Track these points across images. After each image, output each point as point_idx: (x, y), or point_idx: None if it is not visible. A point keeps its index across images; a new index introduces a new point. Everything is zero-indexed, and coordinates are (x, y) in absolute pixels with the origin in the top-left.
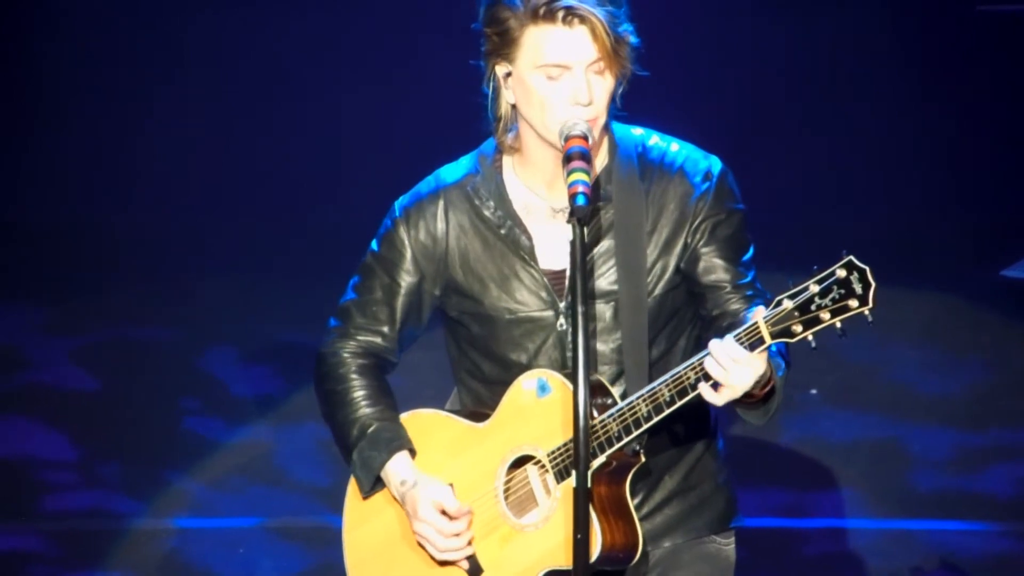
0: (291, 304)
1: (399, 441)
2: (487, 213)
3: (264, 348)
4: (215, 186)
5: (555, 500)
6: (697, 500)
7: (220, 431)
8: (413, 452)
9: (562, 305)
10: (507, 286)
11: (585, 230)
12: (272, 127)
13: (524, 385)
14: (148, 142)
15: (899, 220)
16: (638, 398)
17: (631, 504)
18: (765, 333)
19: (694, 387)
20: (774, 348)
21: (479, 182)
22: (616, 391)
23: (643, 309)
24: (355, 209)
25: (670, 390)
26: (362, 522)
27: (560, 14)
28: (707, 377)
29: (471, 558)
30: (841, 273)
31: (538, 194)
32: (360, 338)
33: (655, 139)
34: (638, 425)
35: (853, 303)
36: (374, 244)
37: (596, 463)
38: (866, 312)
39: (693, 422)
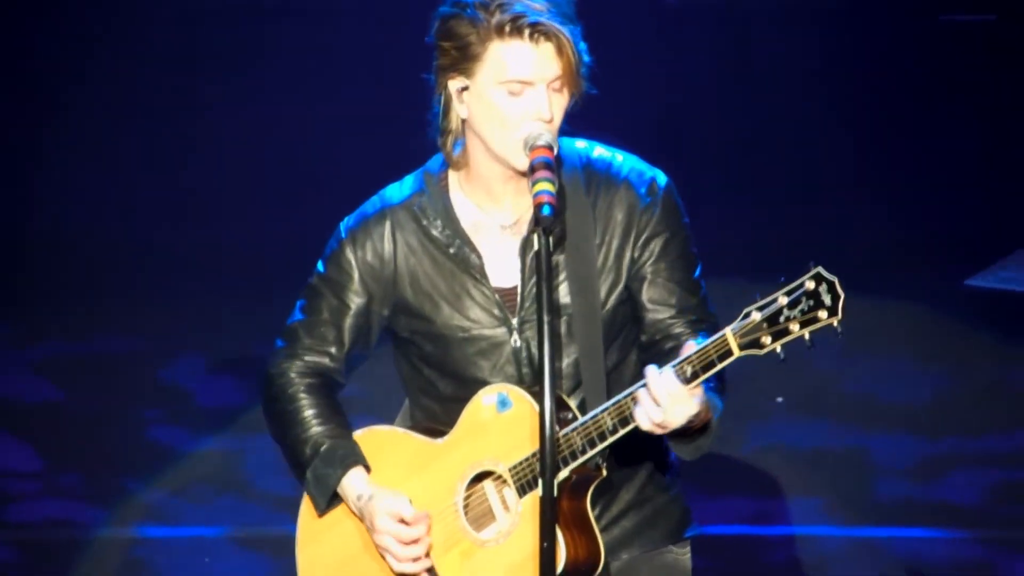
0: (257, 315)
1: (353, 457)
2: (435, 232)
3: (230, 358)
4: (182, 198)
5: (516, 515)
6: (652, 512)
7: (185, 441)
8: (368, 468)
9: (514, 321)
10: (459, 304)
11: (547, 240)
12: (242, 139)
13: (484, 400)
14: (114, 154)
15: (865, 230)
16: (603, 411)
17: (592, 518)
18: (733, 345)
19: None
20: (708, 386)
21: (425, 201)
22: (573, 402)
23: (597, 321)
24: (324, 221)
25: (621, 412)
26: (316, 538)
27: (527, 31)
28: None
29: (431, 571)
30: (810, 284)
31: (485, 211)
32: (308, 358)
33: (599, 150)
34: (603, 438)
35: (822, 314)
36: (320, 265)
37: (560, 476)
38: (835, 323)
39: (647, 436)
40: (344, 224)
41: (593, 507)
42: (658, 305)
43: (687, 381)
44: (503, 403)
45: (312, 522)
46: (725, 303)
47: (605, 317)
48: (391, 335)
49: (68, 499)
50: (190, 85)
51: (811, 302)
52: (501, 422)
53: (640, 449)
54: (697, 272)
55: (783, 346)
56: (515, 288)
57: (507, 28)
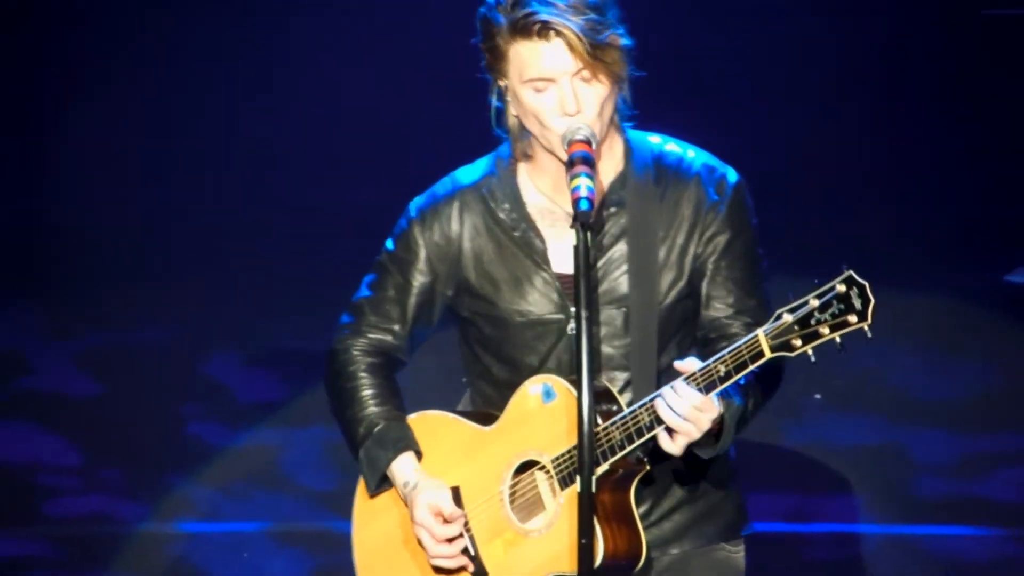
0: (296, 308)
1: (405, 441)
2: (502, 215)
3: (269, 352)
4: (222, 188)
5: (559, 506)
6: (706, 507)
7: (224, 436)
8: (419, 453)
9: (573, 309)
10: (519, 288)
11: (590, 235)
12: (280, 123)
13: (530, 390)
14: (151, 141)
15: (902, 223)
16: (641, 407)
17: (636, 512)
18: (765, 346)
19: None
20: (736, 386)
21: (495, 184)
22: (624, 399)
23: (653, 316)
24: (363, 214)
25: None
26: (370, 521)
27: (535, 28)
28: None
29: (476, 560)
30: (841, 288)
31: (552, 199)
32: (371, 336)
33: (672, 146)
34: (640, 434)
35: (852, 318)
36: (389, 243)
37: (600, 470)
38: (865, 328)
39: None
40: (414, 203)
41: (643, 501)
42: (715, 302)
43: (723, 380)
44: (548, 394)
45: (366, 505)
46: None
47: (662, 312)
48: (455, 317)
49: (108, 494)
50: (218, 71)
51: (842, 306)
52: (546, 413)
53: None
54: (759, 274)
55: (814, 349)
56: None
57: (519, 27)
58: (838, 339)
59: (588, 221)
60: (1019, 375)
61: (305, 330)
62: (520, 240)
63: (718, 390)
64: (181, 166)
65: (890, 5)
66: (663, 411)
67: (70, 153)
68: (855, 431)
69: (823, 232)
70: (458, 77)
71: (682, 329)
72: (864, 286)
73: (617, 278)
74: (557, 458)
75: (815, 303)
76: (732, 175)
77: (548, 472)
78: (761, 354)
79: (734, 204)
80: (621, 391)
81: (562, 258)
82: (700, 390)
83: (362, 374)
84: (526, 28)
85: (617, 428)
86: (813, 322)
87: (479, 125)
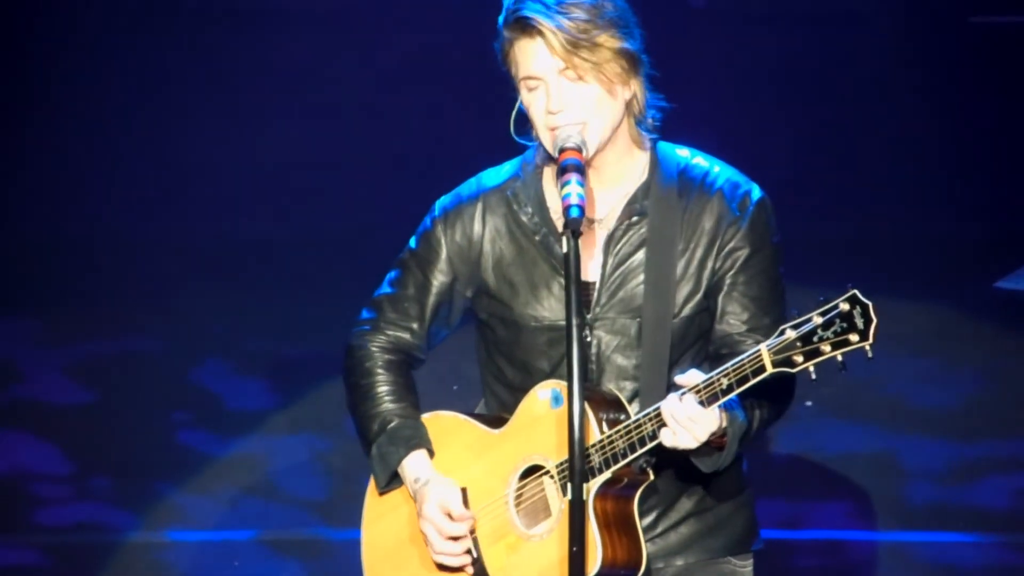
0: (285, 316)
1: (418, 439)
2: (524, 218)
3: (258, 360)
4: (210, 196)
5: (560, 513)
6: (714, 521)
7: (214, 444)
8: (431, 452)
9: (588, 316)
10: (536, 293)
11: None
12: (271, 132)
13: (539, 395)
14: (138, 150)
15: (894, 230)
16: (644, 416)
17: (638, 521)
18: (767, 361)
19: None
20: (734, 400)
21: (519, 187)
22: (633, 408)
23: (667, 328)
24: (356, 221)
25: (660, 420)
26: (377, 520)
27: (519, 25)
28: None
29: (477, 562)
30: (844, 307)
31: None
32: (390, 332)
33: (699, 160)
34: (643, 443)
35: (854, 337)
36: (412, 241)
37: (602, 478)
38: (866, 347)
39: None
40: (439, 203)
41: (651, 512)
42: (729, 317)
43: (725, 393)
44: (556, 399)
45: (375, 502)
46: None
47: (676, 325)
48: (473, 318)
49: (98, 503)
50: (216, 83)
51: (844, 324)
52: (553, 418)
53: None
54: (777, 293)
55: (815, 366)
56: (594, 283)
57: (508, 24)
58: (839, 357)
59: (578, 228)
60: (1010, 381)
61: (295, 339)
62: (541, 244)
63: (719, 403)
64: (172, 177)
65: (881, 13)
66: (665, 415)
67: (62, 163)
68: (847, 439)
69: (815, 241)
70: (466, 82)
71: (696, 343)
72: (868, 306)
73: (634, 288)
74: (561, 463)
75: (818, 320)
76: (756, 192)
77: (554, 477)
78: (763, 369)
79: (755, 221)
80: (629, 401)
81: (582, 265)
82: (701, 402)
83: (379, 371)
84: (513, 25)
85: (621, 436)
86: (816, 339)
87: (494, 134)
